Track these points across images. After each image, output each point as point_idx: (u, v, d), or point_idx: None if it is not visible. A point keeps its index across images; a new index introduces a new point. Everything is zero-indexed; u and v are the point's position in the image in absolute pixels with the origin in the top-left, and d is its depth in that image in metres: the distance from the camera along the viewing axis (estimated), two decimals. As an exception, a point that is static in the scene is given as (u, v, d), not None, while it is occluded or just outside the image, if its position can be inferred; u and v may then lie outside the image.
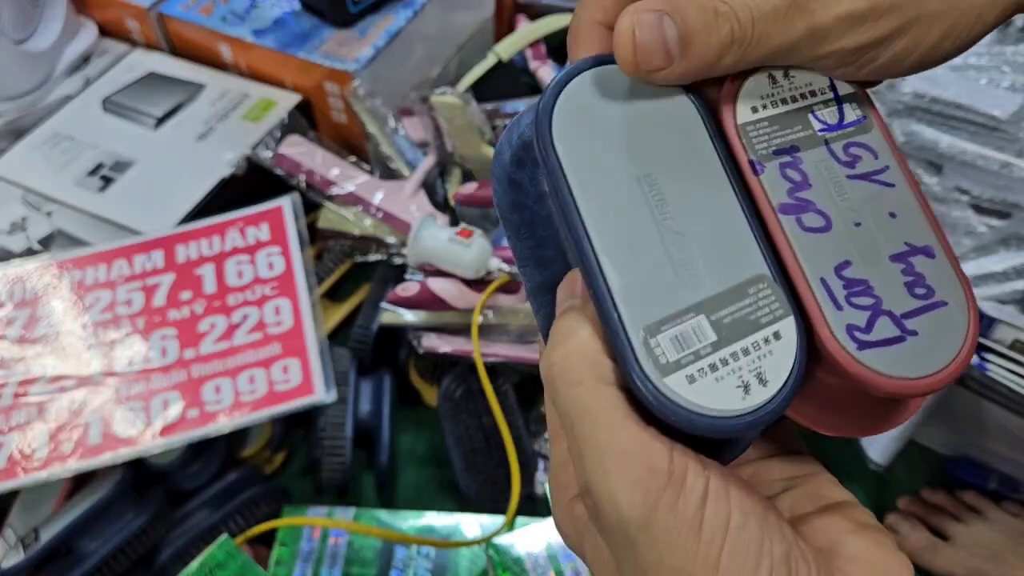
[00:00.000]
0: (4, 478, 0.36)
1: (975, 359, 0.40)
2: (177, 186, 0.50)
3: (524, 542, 0.35)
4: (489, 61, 0.56)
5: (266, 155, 0.51)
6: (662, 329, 0.15)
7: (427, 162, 0.51)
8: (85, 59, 0.60)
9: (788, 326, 0.15)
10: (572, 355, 0.15)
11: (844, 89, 0.17)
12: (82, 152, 0.53)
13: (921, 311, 0.15)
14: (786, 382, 0.15)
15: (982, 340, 0.42)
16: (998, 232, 0.49)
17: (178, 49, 0.60)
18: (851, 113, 0.17)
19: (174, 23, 0.58)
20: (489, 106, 0.50)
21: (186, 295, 0.43)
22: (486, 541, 0.36)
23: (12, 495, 0.40)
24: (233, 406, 0.39)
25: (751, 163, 0.16)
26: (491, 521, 0.41)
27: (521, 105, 0.52)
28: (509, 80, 0.57)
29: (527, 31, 0.61)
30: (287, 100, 0.55)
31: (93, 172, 0.51)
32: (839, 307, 0.15)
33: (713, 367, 0.14)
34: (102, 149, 0.53)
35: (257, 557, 0.39)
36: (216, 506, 0.40)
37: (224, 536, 0.34)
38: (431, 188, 0.51)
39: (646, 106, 0.16)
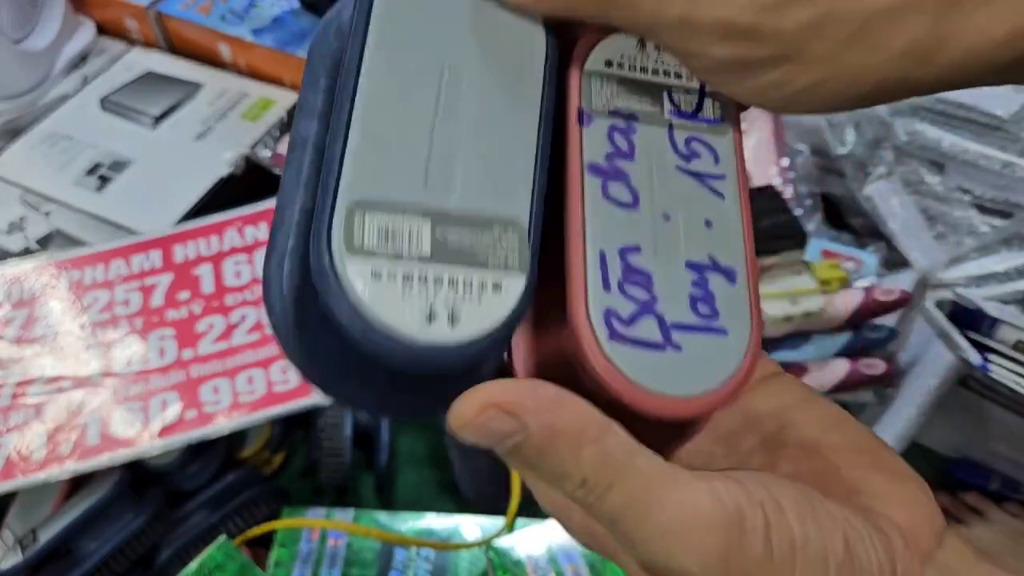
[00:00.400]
0: (2, 479, 0.36)
1: (977, 359, 0.40)
2: (175, 185, 0.50)
3: (524, 544, 0.35)
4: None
5: (265, 154, 0.51)
6: (376, 210, 0.13)
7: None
8: (83, 58, 0.60)
9: (514, 283, 0.13)
10: (599, 461, 0.13)
11: None
12: (80, 151, 0.53)
13: (695, 329, 0.14)
14: (479, 338, 0.12)
15: (984, 340, 0.42)
16: (1000, 232, 0.49)
17: (177, 48, 0.59)
18: (710, 109, 0.16)
19: (173, 22, 0.58)
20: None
21: (184, 295, 0.43)
22: (486, 543, 0.36)
23: (10, 496, 0.39)
24: (232, 407, 0.38)
25: (580, 111, 0.15)
26: (491, 523, 0.40)
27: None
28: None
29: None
30: (286, 99, 0.55)
31: (91, 171, 0.51)
32: (607, 287, 0.14)
33: (407, 277, 0.12)
34: (100, 148, 0.53)
35: (256, 558, 0.39)
36: (215, 507, 0.40)
37: (223, 537, 0.34)
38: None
39: (496, 11, 0.15)
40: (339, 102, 0.14)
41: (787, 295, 0.41)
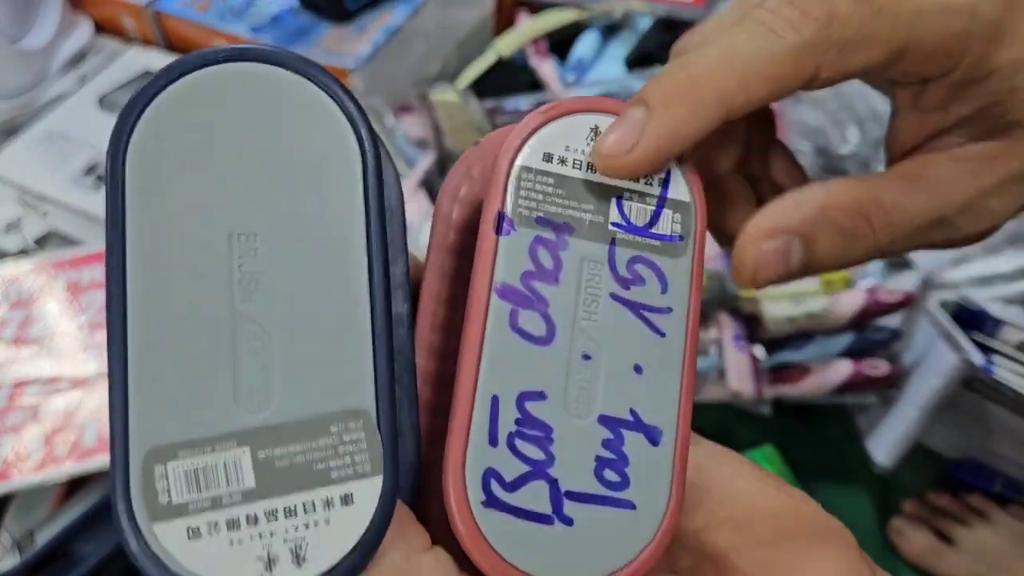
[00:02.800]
0: (-1, 481, 0.36)
1: (981, 360, 0.40)
2: (173, 185, 0.49)
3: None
4: (489, 58, 0.56)
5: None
6: (178, 455, 0.10)
7: (426, 160, 0.51)
8: (80, 57, 0.60)
9: (369, 489, 0.11)
10: None
11: (679, 195, 0.13)
12: (78, 150, 0.52)
13: (595, 500, 0.12)
14: (333, 568, 0.11)
15: (988, 341, 0.42)
16: (1005, 232, 0.49)
17: (174, 46, 0.59)
18: (668, 224, 0.13)
19: (170, 20, 0.57)
20: (489, 103, 0.50)
21: (182, 296, 0.43)
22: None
23: (7, 498, 0.39)
24: (230, 408, 0.38)
25: (499, 215, 0.12)
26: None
27: (522, 102, 0.51)
28: (509, 77, 0.56)
29: (528, 27, 0.61)
30: (285, 98, 0.54)
31: (89, 171, 0.51)
32: (493, 441, 0.11)
33: (232, 524, 0.10)
34: (98, 147, 0.52)
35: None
36: (213, 509, 0.40)
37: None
38: (430, 187, 0.51)
39: (288, 128, 0.11)
40: (108, 308, 0.11)
41: (790, 296, 0.40)
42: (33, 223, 0.49)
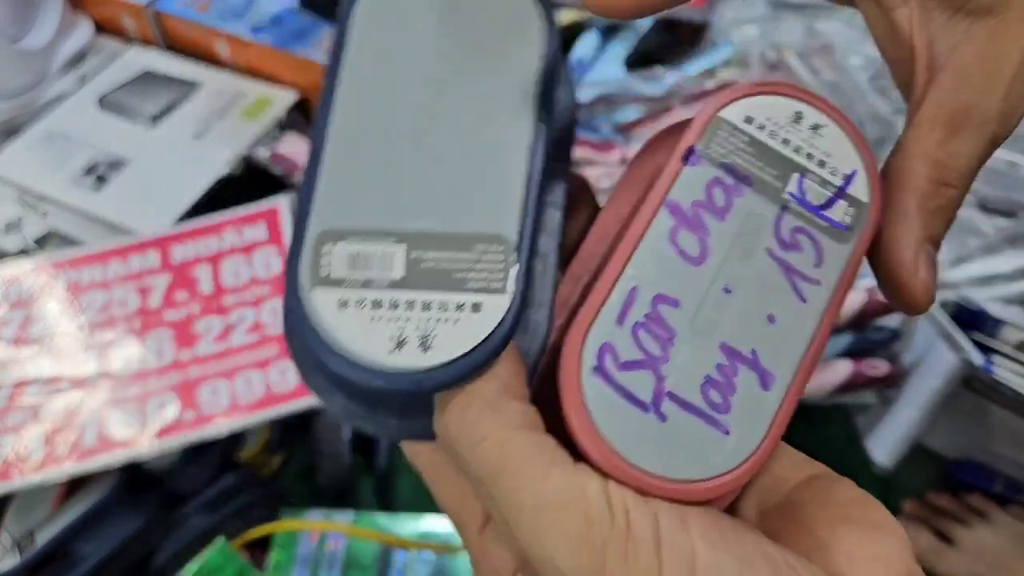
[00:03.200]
0: (0, 481, 0.36)
1: (981, 360, 0.40)
2: (173, 185, 0.49)
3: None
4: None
5: (263, 154, 0.51)
6: (346, 239, 0.12)
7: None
8: (80, 57, 0.60)
9: (497, 304, 0.12)
10: (468, 407, 0.12)
11: (858, 193, 0.14)
12: (77, 151, 0.52)
13: (692, 410, 0.12)
14: (452, 362, 0.12)
15: (988, 341, 0.41)
16: (1004, 232, 0.49)
17: (174, 46, 0.59)
18: (840, 213, 0.14)
19: (170, 20, 0.57)
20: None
21: (182, 296, 0.43)
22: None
23: (8, 498, 0.39)
24: (230, 408, 0.38)
25: (689, 149, 0.13)
26: (491, 524, 0.40)
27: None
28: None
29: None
30: (285, 98, 0.54)
31: (89, 171, 0.51)
32: (620, 322, 0.12)
33: (376, 304, 0.12)
34: (98, 148, 0.52)
35: (254, 560, 0.39)
36: (213, 509, 0.40)
37: (221, 539, 0.34)
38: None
39: (484, 11, 0.14)
40: (316, 120, 0.13)
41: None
42: (33, 223, 0.49)
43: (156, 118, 0.54)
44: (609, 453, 0.12)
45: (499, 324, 0.12)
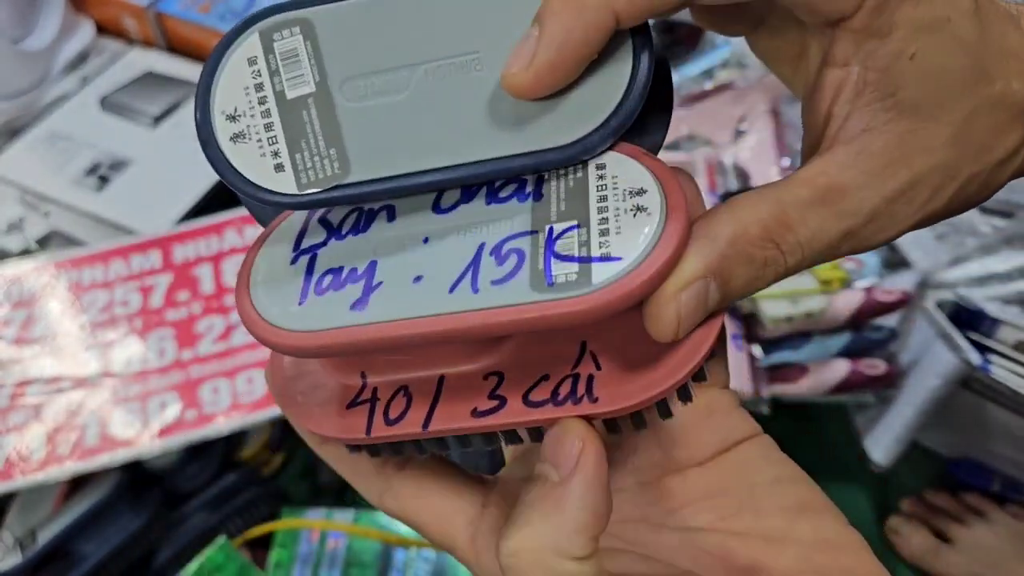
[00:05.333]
0: (1, 480, 0.36)
1: (978, 359, 0.40)
2: (175, 185, 0.49)
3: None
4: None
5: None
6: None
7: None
8: (82, 58, 0.60)
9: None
10: (522, 553, 0.12)
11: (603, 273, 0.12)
12: (79, 151, 0.52)
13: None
14: (323, 190, 0.13)
15: (985, 341, 0.42)
16: (1002, 232, 0.49)
17: (176, 47, 0.59)
18: (562, 271, 0.12)
19: (172, 21, 0.58)
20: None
21: (184, 295, 0.43)
22: (486, 544, 0.36)
23: (10, 497, 0.39)
24: (231, 407, 0.38)
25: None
26: (491, 523, 0.40)
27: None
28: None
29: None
30: (286, 99, 0.54)
31: (91, 171, 0.51)
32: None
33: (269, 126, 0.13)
34: (99, 148, 0.52)
35: (255, 559, 0.39)
36: (214, 508, 0.40)
37: (222, 538, 0.34)
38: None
39: None
40: None
41: (788, 295, 0.40)
42: (35, 223, 0.49)
43: (158, 119, 0.54)
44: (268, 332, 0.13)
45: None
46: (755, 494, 0.15)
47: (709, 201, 0.47)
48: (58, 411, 0.39)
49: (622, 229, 0.12)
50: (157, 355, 0.41)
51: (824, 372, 0.42)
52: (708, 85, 0.53)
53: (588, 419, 0.13)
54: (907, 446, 0.43)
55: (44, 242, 0.48)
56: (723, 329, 0.14)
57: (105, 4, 0.60)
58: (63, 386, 0.40)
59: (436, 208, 0.14)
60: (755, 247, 0.12)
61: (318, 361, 0.15)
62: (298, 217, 0.14)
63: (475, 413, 0.14)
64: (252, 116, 0.13)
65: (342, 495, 0.44)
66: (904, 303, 0.42)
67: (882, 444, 0.43)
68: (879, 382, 0.42)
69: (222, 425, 0.38)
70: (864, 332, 0.43)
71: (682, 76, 0.54)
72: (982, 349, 0.41)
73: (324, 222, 0.14)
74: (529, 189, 0.13)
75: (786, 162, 0.50)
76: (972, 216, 0.50)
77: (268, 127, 0.13)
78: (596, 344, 0.13)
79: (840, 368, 0.42)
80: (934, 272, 0.48)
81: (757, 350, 0.42)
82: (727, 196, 0.45)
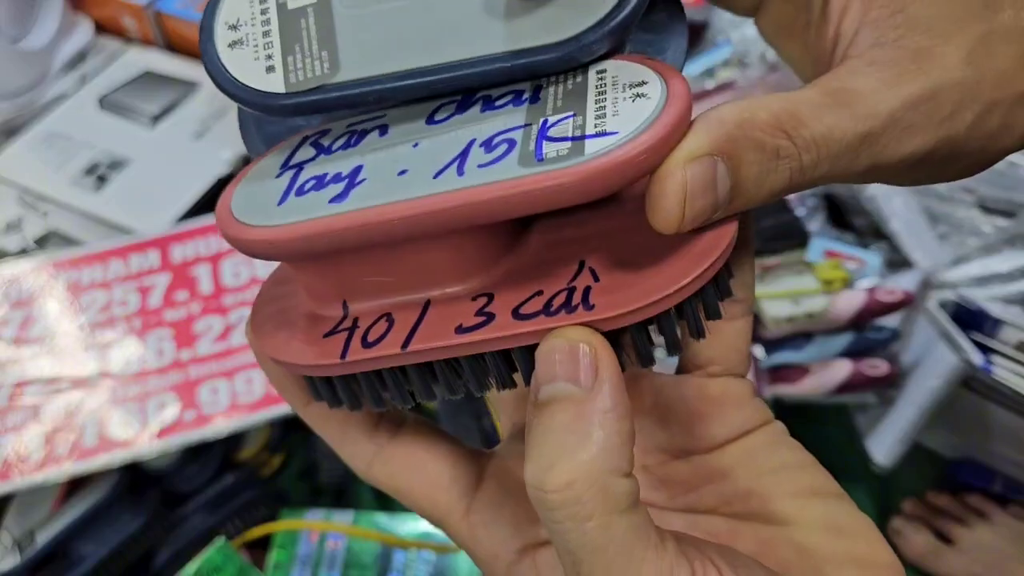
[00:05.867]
0: (0, 481, 0.36)
1: (980, 360, 0.40)
2: (173, 185, 0.49)
3: (524, 546, 0.35)
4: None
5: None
6: None
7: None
8: (81, 57, 0.60)
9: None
10: (577, 482, 0.11)
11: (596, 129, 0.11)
12: (78, 151, 0.52)
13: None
14: (314, 89, 0.13)
15: (987, 341, 0.42)
16: (1004, 232, 0.49)
17: (175, 46, 0.59)
18: (552, 150, 0.12)
19: (171, 20, 0.57)
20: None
21: (182, 295, 0.43)
22: (486, 545, 0.36)
23: (8, 498, 0.39)
24: (230, 408, 0.38)
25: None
26: (491, 524, 0.40)
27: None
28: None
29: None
30: (285, 98, 0.54)
31: (89, 171, 0.51)
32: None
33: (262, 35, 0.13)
34: (98, 148, 0.52)
35: (254, 560, 0.39)
36: (213, 509, 0.40)
37: (221, 539, 0.34)
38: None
39: None
40: None
41: (790, 295, 0.40)
42: (33, 223, 0.49)
43: (156, 118, 0.54)
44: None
45: None
46: (763, 480, 0.14)
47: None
48: (56, 412, 0.38)
49: (620, 112, 0.11)
50: (156, 355, 0.40)
51: (826, 373, 0.42)
52: (710, 84, 0.53)
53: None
54: (909, 447, 0.43)
55: (42, 242, 0.48)
56: (748, 241, 0.13)
57: (104, 3, 0.60)
58: (61, 386, 0.40)
59: (430, 120, 0.13)
60: (765, 133, 0.12)
61: (300, 289, 0.14)
62: (289, 144, 0.14)
63: (459, 329, 0.12)
64: (252, 25, 0.14)
65: (341, 496, 0.44)
66: (906, 303, 0.42)
67: (884, 445, 0.43)
68: (881, 382, 0.42)
69: (221, 426, 0.38)
70: (866, 332, 0.43)
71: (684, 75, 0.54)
72: (984, 349, 0.41)
73: (316, 144, 0.13)
74: (526, 95, 0.13)
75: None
76: (974, 216, 0.50)
77: (266, 34, 0.13)
78: (595, 261, 0.12)
79: (842, 368, 0.42)
80: (936, 272, 0.48)
81: (759, 350, 0.42)
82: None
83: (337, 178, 0.12)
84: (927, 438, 0.45)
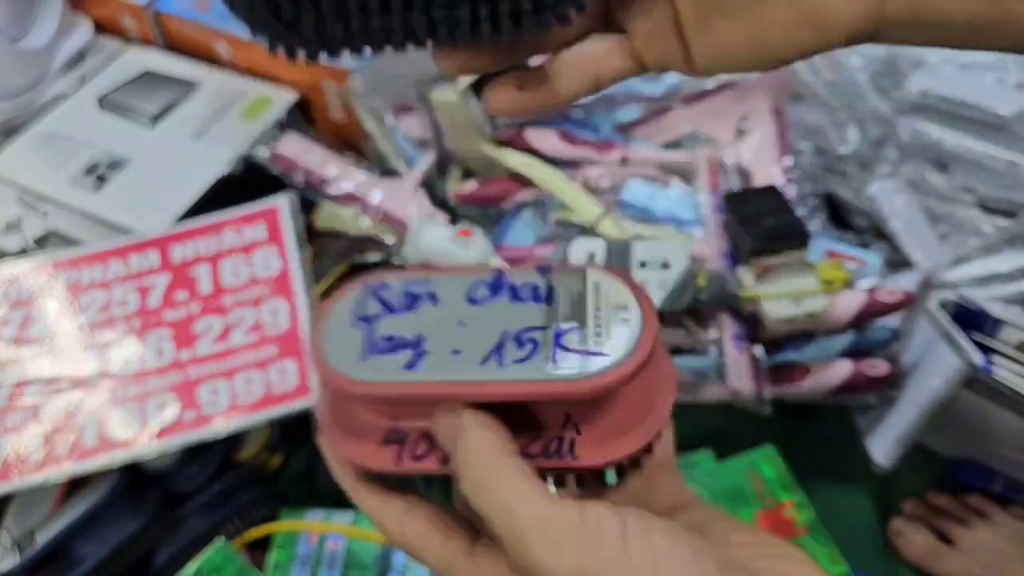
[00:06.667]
0: (-1, 481, 0.36)
1: (981, 360, 0.40)
2: (173, 185, 0.49)
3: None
4: (489, 58, 0.56)
5: (263, 153, 0.51)
6: None
7: (426, 160, 0.51)
8: (80, 57, 0.60)
9: None
10: (482, 463, 0.16)
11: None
12: (78, 151, 0.52)
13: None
14: None
15: (988, 341, 0.42)
16: (1004, 232, 0.49)
17: (174, 46, 0.59)
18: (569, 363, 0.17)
19: (170, 20, 0.57)
20: (489, 104, 0.50)
21: (182, 295, 0.43)
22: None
23: (7, 498, 0.39)
24: (230, 408, 0.38)
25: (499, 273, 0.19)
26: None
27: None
28: (509, 77, 0.56)
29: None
30: (284, 98, 0.54)
31: (89, 171, 0.51)
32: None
33: None
34: (98, 148, 0.52)
35: (254, 560, 0.39)
36: (213, 509, 0.40)
37: (221, 539, 0.34)
38: (430, 186, 0.51)
39: None
40: None
41: (790, 295, 0.40)
42: (33, 223, 0.49)
43: (156, 118, 0.54)
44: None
45: None
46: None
47: (711, 202, 0.47)
48: (56, 412, 0.38)
49: (612, 336, 0.17)
50: (155, 355, 0.40)
51: (826, 373, 0.42)
52: (710, 84, 0.53)
53: (570, 470, 0.17)
54: (909, 447, 0.42)
55: (42, 242, 0.48)
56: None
57: (103, 3, 0.60)
58: (61, 387, 0.40)
59: (470, 300, 0.18)
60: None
61: (360, 407, 0.18)
62: (355, 293, 0.19)
63: None
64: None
65: (341, 497, 0.44)
66: (906, 303, 0.42)
67: (884, 445, 0.43)
68: (881, 383, 0.42)
69: (221, 426, 0.38)
70: (866, 333, 0.43)
71: (684, 75, 0.54)
72: (985, 350, 0.41)
73: (380, 299, 0.18)
74: (543, 295, 0.18)
75: (788, 161, 0.50)
76: (975, 216, 0.50)
77: None
78: (577, 416, 0.17)
79: (842, 369, 0.42)
80: (936, 272, 0.48)
81: (759, 351, 0.42)
82: (729, 196, 0.44)
83: (405, 345, 0.17)
84: (927, 438, 0.45)
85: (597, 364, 0.16)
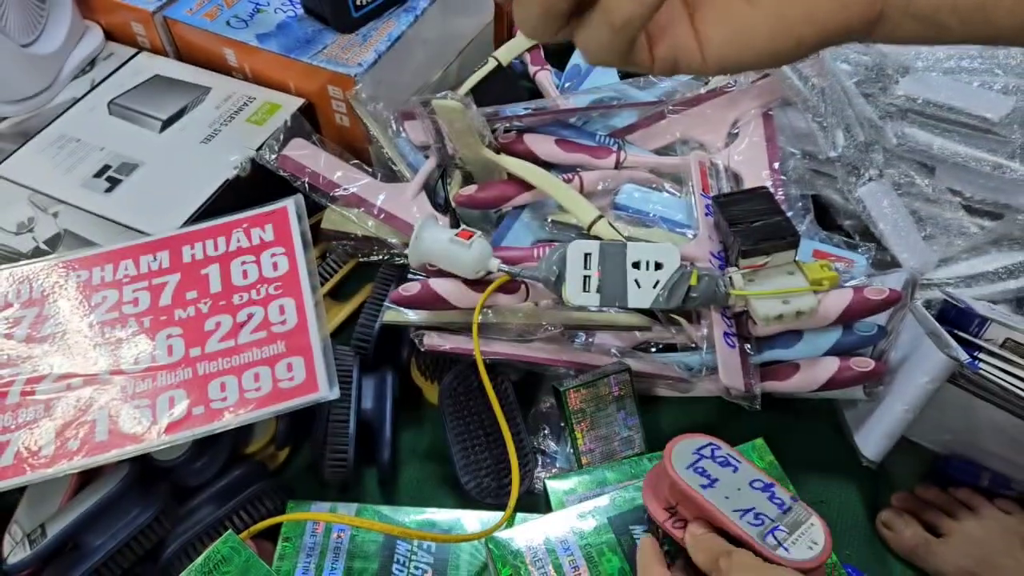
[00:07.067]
0: (11, 475, 0.37)
1: (966, 357, 0.41)
2: (183, 188, 0.50)
3: (523, 536, 0.36)
4: (489, 65, 0.57)
5: (270, 157, 0.52)
6: None
7: (428, 165, 0.52)
8: (91, 62, 0.61)
9: None
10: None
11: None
12: (88, 154, 0.53)
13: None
14: None
15: (974, 339, 0.42)
16: (990, 233, 0.50)
17: (183, 53, 0.60)
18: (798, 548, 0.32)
19: (179, 27, 0.59)
20: (489, 110, 0.51)
21: (192, 294, 0.44)
22: (486, 535, 0.37)
23: (19, 491, 0.40)
24: (238, 403, 0.39)
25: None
26: (491, 516, 0.41)
27: (520, 108, 0.53)
28: (508, 84, 0.58)
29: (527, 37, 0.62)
30: (291, 104, 0.55)
31: (99, 174, 0.52)
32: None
33: None
34: (108, 151, 0.53)
35: (261, 552, 0.39)
36: (221, 502, 0.41)
37: (229, 531, 0.34)
38: (432, 190, 0.52)
39: None
40: None
41: (779, 294, 0.41)
42: (44, 224, 0.50)
43: (166, 123, 0.55)
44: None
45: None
46: None
47: (702, 204, 0.48)
48: (68, 407, 0.39)
49: (796, 549, 0.31)
50: (165, 352, 0.41)
51: (814, 369, 0.43)
52: (702, 89, 0.54)
53: None
54: (896, 442, 0.43)
55: (53, 243, 0.49)
56: None
57: (113, 10, 0.61)
58: (73, 383, 0.40)
59: (751, 483, 0.34)
60: None
61: (665, 484, 0.34)
62: (704, 442, 0.35)
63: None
64: None
65: (346, 489, 0.45)
66: (893, 302, 0.43)
67: (872, 440, 0.44)
68: (868, 379, 0.43)
69: (229, 421, 0.39)
70: (854, 330, 0.44)
71: (676, 80, 0.55)
72: (970, 347, 0.42)
73: (712, 448, 0.35)
74: (784, 508, 0.33)
75: (778, 165, 0.51)
76: (960, 217, 0.51)
77: None
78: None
79: (830, 366, 0.43)
80: (923, 272, 0.49)
81: (749, 348, 0.43)
82: (719, 198, 0.46)
83: (708, 477, 0.33)
84: (915, 433, 0.46)
85: (781, 554, 0.31)
